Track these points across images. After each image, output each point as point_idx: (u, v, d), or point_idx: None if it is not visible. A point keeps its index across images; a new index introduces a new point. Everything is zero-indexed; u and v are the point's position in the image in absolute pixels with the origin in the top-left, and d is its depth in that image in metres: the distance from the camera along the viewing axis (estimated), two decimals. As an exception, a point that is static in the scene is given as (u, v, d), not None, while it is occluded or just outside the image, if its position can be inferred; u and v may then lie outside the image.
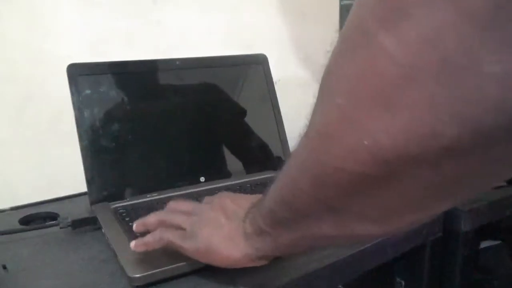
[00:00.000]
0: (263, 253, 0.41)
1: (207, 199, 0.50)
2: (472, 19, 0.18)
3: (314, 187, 0.30)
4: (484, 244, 0.79)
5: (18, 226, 0.62)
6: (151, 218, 0.49)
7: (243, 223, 0.42)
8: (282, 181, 0.35)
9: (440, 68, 0.20)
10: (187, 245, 0.44)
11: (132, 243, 0.47)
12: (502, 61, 0.18)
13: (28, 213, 0.67)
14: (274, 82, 0.80)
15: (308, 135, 0.29)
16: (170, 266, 0.46)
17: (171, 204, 0.51)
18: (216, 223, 0.44)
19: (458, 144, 0.21)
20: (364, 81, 0.23)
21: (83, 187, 0.64)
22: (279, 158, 0.77)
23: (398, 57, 0.21)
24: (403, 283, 0.70)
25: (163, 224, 0.48)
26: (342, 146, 0.25)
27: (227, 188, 0.68)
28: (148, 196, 0.65)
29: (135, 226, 0.49)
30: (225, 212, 0.45)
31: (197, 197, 0.62)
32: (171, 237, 0.45)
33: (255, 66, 0.79)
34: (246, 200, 0.45)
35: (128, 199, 0.64)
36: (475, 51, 0.19)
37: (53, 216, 0.66)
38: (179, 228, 0.46)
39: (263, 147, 0.78)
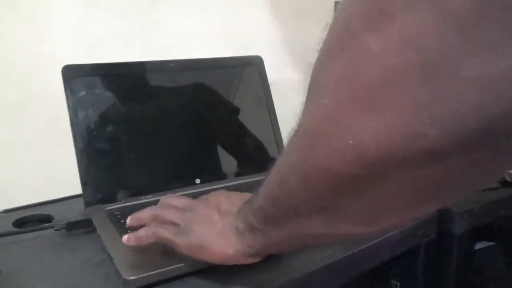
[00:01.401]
0: (254, 250, 0.41)
1: (202, 196, 0.50)
2: (453, 23, 0.19)
3: (302, 185, 0.30)
4: (479, 245, 0.80)
5: (12, 229, 0.62)
6: (145, 213, 0.49)
7: (235, 220, 0.43)
8: (272, 179, 0.35)
9: (422, 70, 0.20)
10: (180, 241, 0.44)
11: (125, 237, 0.47)
12: (480, 65, 0.18)
13: (22, 216, 0.66)
14: (270, 84, 0.80)
15: (297, 134, 0.30)
16: (165, 268, 0.46)
17: (166, 200, 0.51)
18: (209, 220, 0.44)
19: (439, 146, 0.21)
20: (349, 81, 0.23)
21: (77, 189, 0.64)
22: (274, 159, 0.77)
23: (381, 58, 0.21)
24: (398, 284, 0.70)
25: (157, 219, 0.48)
26: (328, 145, 0.26)
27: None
28: (143, 198, 0.65)
29: (129, 220, 0.50)
30: (218, 209, 0.45)
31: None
32: (164, 232, 0.46)
33: (250, 68, 0.79)
34: (240, 198, 0.46)
35: (123, 201, 0.64)
36: (455, 54, 0.19)
37: (47, 219, 0.66)
38: (172, 223, 0.46)
39: (259, 149, 0.78)
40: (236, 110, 0.77)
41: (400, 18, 0.20)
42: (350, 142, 0.24)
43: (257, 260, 0.44)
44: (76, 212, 0.64)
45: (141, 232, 0.47)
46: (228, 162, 0.75)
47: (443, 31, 0.19)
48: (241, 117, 0.77)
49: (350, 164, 0.25)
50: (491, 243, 0.81)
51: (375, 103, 0.22)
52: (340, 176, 0.26)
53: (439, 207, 0.30)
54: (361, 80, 0.22)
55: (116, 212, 0.61)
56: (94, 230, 0.57)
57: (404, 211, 0.29)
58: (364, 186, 0.26)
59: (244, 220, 0.41)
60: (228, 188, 0.68)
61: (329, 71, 0.25)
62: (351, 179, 0.26)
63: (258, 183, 0.39)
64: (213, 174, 0.72)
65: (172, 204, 0.50)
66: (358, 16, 0.22)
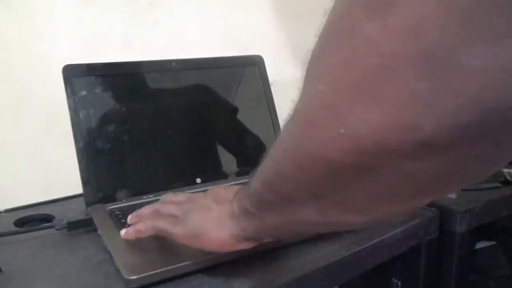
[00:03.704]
0: (249, 233, 0.41)
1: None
2: (454, 13, 0.18)
3: (297, 173, 0.30)
4: (480, 244, 0.80)
5: (14, 228, 0.62)
6: (145, 210, 0.50)
7: (230, 205, 0.43)
8: (268, 164, 0.35)
9: (421, 60, 0.20)
10: (178, 231, 0.44)
11: (122, 231, 0.47)
12: (480, 56, 0.18)
13: (24, 215, 0.66)
14: (270, 83, 0.80)
15: (292, 121, 0.29)
16: (166, 268, 0.46)
17: (166, 197, 0.52)
18: (206, 209, 0.44)
19: (436, 138, 0.21)
20: (346, 69, 0.23)
21: (78, 189, 0.64)
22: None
23: (380, 46, 0.21)
24: (399, 283, 0.70)
25: (156, 214, 0.48)
26: (322, 134, 0.25)
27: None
28: (143, 197, 0.65)
29: (129, 218, 0.50)
30: (216, 198, 0.45)
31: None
32: (163, 224, 0.46)
33: (251, 67, 0.79)
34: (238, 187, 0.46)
35: (123, 200, 0.64)
36: (455, 45, 0.19)
37: (48, 218, 0.66)
38: (171, 216, 0.47)
39: (259, 148, 0.78)
40: (235, 110, 0.77)
41: (402, 7, 0.20)
42: (345, 131, 0.23)
43: (252, 245, 0.43)
44: (77, 212, 0.65)
45: (140, 226, 0.47)
46: (228, 162, 0.75)
47: (445, 21, 0.19)
48: (242, 117, 0.77)
49: (344, 153, 0.24)
50: (492, 243, 0.81)
51: (371, 92, 0.22)
52: (335, 165, 0.26)
53: (436, 199, 0.30)
54: (358, 68, 0.22)
55: (117, 212, 0.61)
56: (95, 229, 0.57)
57: (398, 202, 0.29)
58: (358, 175, 0.26)
59: (239, 204, 0.41)
60: (229, 188, 0.68)
61: (326, 59, 0.25)
62: (346, 167, 0.25)
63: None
64: (214, 173, 0.72)
65: (172, 200, 0.50)
66: (359, 4, 0.22)
